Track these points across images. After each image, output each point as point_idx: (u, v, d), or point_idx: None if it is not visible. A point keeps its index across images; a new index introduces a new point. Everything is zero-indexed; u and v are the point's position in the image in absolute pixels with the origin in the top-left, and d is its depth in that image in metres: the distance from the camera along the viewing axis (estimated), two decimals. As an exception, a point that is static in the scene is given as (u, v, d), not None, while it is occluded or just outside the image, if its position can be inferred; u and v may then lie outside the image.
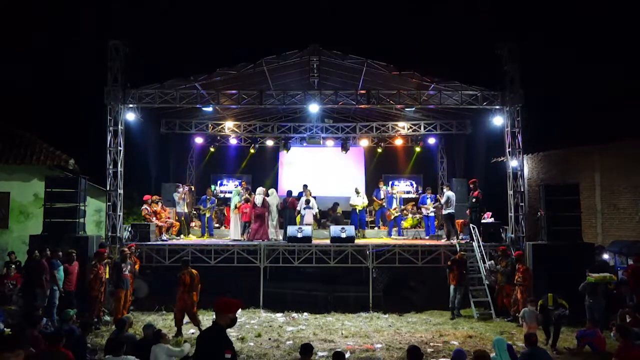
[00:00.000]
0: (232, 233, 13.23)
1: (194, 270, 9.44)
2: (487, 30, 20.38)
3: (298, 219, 13.88)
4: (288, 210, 13.52)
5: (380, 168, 18.16)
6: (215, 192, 17.01)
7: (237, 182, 17.45)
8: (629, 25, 17.53)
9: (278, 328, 9.81)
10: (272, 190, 13.63)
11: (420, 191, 17.14)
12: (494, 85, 12.10)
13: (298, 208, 13.66)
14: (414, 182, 18.05)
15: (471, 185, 12.80)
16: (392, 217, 14.54)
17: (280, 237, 12.99)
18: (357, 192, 14.81)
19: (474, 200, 12.50)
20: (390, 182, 17.61)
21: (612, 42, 16.83)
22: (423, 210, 14.62)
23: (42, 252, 9.54)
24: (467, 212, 12.86)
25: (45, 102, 18.06)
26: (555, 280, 9.79)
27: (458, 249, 11.39)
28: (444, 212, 12.98)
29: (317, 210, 14.38)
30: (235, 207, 13.27)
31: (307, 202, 13.98)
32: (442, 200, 13.04)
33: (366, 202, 14.84)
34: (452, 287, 10.73)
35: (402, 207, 15.38)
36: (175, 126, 16.20)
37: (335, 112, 17.24)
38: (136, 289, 10.74)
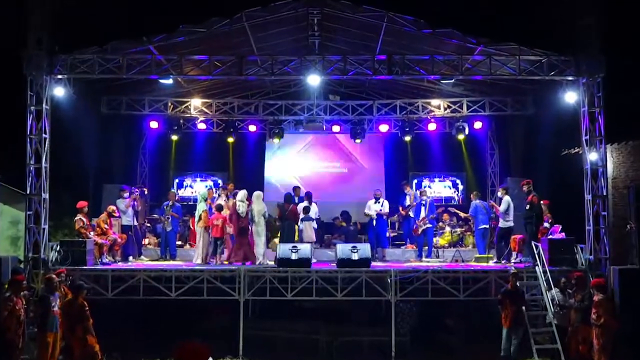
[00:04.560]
0: (198, 254, 13.25)
1: (80, 298, 9.66)
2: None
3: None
4: (287, 222, 13.52)
5: (406, 163, 18.21)
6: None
7: (209, 183, 17.49)
8: None
9: (264, 385, 9.88)
10: (258, 194, 13.53)
11: (462, 194, 17.18)
12: (564, 48, 12.08)
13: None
14: (458, 182, 18.07)
15: (524, 188, 12.87)
16: (420, 230, 14.55)
17: (270, 261, 13.00)
18: (377, 198, 14.82)
19: (527, 207, 12.56)
20: (417, 182, 17.65)
21: None
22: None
23: None
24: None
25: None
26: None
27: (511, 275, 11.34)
28: (502, 225, 13.14)
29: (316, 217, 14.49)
30: (201, 218, 13.32)
31: (307, 210, 13.98)
32: (501, 209, 13.13)
33: (387, 211, 14.89)
34: (504, 330, 10.70)
35: (433, 215, 15.28)
36: (122, 105, 16.22)
37: (343, 86, 17.26)
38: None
